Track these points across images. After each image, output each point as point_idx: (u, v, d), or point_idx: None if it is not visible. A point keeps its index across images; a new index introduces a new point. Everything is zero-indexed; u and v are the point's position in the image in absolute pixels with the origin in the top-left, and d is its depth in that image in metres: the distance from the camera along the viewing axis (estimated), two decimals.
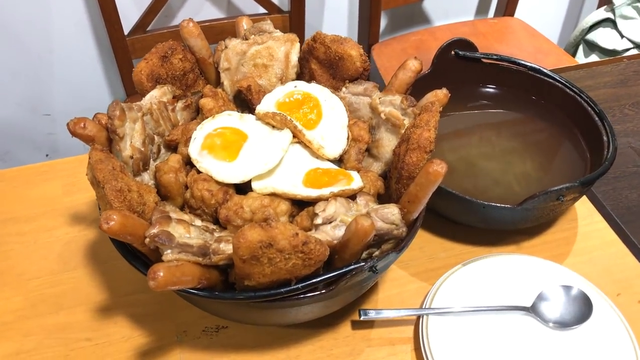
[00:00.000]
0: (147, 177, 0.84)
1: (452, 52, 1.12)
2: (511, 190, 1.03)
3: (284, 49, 0.97)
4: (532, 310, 0.90)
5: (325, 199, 0.78)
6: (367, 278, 0.77)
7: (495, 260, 0.96)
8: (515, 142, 1.10)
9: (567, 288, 0.91)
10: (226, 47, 0.95)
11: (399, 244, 0.79)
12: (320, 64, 0.96)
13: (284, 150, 0.82)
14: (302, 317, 0.84)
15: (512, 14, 2.34)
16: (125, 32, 1.81)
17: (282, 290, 0.72)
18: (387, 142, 0.90)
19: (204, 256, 0.69)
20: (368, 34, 2.16)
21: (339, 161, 0.90)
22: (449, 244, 1.03)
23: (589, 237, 1.04)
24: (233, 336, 0.91)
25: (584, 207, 1.09)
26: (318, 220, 0.75)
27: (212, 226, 0.78)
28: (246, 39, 0.97)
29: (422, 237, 1.04)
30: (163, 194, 0.83)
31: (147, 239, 0.69)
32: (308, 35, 2.07)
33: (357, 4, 2.20)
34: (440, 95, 0.87)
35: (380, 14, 2.12)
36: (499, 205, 0.90)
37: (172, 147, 0.87)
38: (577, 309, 0.90)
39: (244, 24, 1.01)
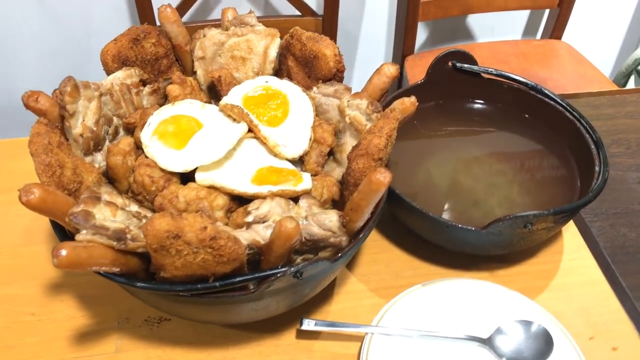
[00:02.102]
0: (99, 158, 0.84)
1: (449, 64, 1.07)
2: (491, 213, 0.96)
3: (264, 43, 0.94)
4: (488, 342, 0.84)
5: (263, 197, 0.75)
6: (297, 285, 0.73)
7: (459, 284, 0.90)
8: (504, 164, 1.04)
9: (528, 323, 0.84)
10: (204, 35, 0.94)
11: (337, 253, 0.75)
12: (296, 61, 0.93)
13: (231, 144, 0.79)
14: (236, 319, 0.81)
15: (559, 37, 2.24)
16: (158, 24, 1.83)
17: (198, 286, 0.69)
18: (350, 148, 0.85)
19: (118, 241, 0.67)
20: (403, 45, 2.11)
21: (300, 163, 0.87)
22: (418, 263, 0.98)
23: (571, 273, 0.96)
24: (173, 329, 0.88)
25: (572, 240, 1.01)
26: (249, 218, 0.72)
27: (148, 214, 0.77)
28: (227, 30, 0.95)
29: (391, 253, 0.99)
30: (110, 176, 0.82)
31: (67, 218, 0.68)
32: (341, 42, 2.04)
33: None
34: (406, 103, 0.82)
35: (416, 25, 2.07)
36: (461, 226, 0.84)
37: (131, 130, 0.87)
38: (536, 347, 0.83)
39: (229, 14, 0.99)
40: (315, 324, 0.84)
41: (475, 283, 0.90)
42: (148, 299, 0.77)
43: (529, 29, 2.42)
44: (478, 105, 1.11)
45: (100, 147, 0.84)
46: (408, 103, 0.82)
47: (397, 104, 0.82)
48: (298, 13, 1.99)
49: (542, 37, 2.32)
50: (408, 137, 1.08)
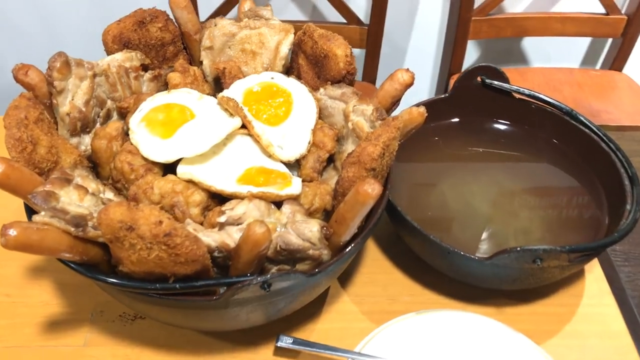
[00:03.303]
0: (87, 140, 0.80)
1: (478, 79, 0.99)
2: (504, 245, 0.87)
3: (277, 38, 0.89)
4: None
5: (241, 198, 0.69)
6: (266, 297, 0.67)
7: (457, 317, 0.81)
8: (527, 192, 0.95)
9: None
10: (215, 25, 0.89)
11: (315, 267, 0.68)
12: (307, 59, 0.87)
13: (219, 138, 0.74)
14: (201, 325, 0.76)
15: (620, 69, 2.10)
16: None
17: (156, 285, 0.64)
18: None
19: (76, 227, 0.63)
20: (450, 62, 2.03)
21: (298, 167, 0.81)
22: (418, 289, 0.90)
23: (588, 320, 0.86)
24: (146, 329, 0.83)
25: (595, 284, 0.91)
26: (222, 219, 0.67)
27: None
28: (240, 21, 0.90)
29: (390, 275, 0.91)
30: (94, 160, 0.78)
31: (29, 196, 0.64)
32: (385, 53, 1.98)
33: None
34: (414, 113, 0.75)
35: (465, 43, 1.98)
36: (463, 253, 0.76)
37: (124, 115, 0.83)
38: None
39: (246, 5, 0.94)
40: (293, 342, 0.78)
41: (476, 318, 0.81)
42: (112, 293, 0.72)
43: (588, 58, 2.29)
44: (505, 126, 1.02)
45: (88, 130, 0.80)
46: (415, 113, 0.75)
47: (403, 113, 0.75)
48: (344, 20, 1.94)
49: (602, 67, 2.19)
50: (426, 153, 1.01)
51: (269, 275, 0.62)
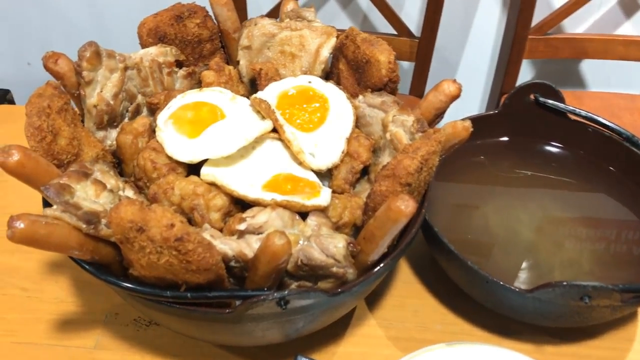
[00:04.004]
0: (113, 135, 0.77)
1: (532, 97, 0.92)
2: (548, 277, 0.80)
3: (318, 41, 0.85)
4: None
5: (264, 206, 0.65)
6: (283, 315, 0.62)
7: (491, 352, 0.74)
8: (578, 223, 0.87)
9: None
10: (255, 24, 0.86)
11: (338, 286, 0.63)
12: (348, 65, 0.83)
13: (246, 140, 0.69)
14: (214, 338, 0.72)
15: None
16: None
17: (166, 293, 0.59)
18: None
19: (88, 224, 0.59)
20: (502, 81, 1.95)
21: (329, 177, 0.76)
22: (452, 318, 0.83)
23: None
24: (160, 336, 0.80)
25: None
26: (242, 226, 0.62)
27: (145, 201, 0.69)
28: (281, 22, 0.86)
29: (423, 300, 0.85)
30: (118, 155, 0.75)
31: (42, 187, 0.61)
32: (435, 67, 1.92)
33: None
34: (458, 127, 0.69)
35: (520, 62, 1.90)
36: (502, 283, 0.70)
37: (153, 111, 0.79)
38: None
39: (289, 6, 0.90)
40: None
41: (512, 355, 0.74)
42: (123, 296, 0.69)
43: None
44: (557, 149, 0.95)
45: (116, 124, 0.77)
46: (460, 127, 0.69)
47: (446, 126, 0.69)
48: (394, 32, 1.88)
49: None
50: (470, 172, 0.94)
51: (286, 292, 0.57)
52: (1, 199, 0.96)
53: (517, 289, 0.69)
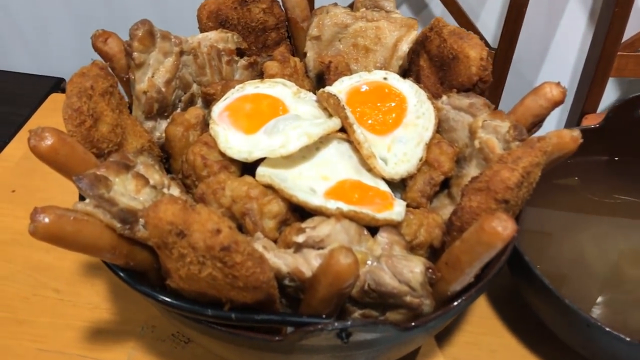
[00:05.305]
0: (164, 126, 0.69)
1: (639, 112, 0.79)
2: None
3: (397, 34, 0.75)
4: None
5: (328, 216, 0.55)
6: (343, 349, 0.51)
7: None
8: None
9: None
10: (327, 12, 0.76)
11: (413, 320, 0.52)
12: (430, 61, 0.72)
13: (310, 139, 0.60)
14: None
15: None
16: None
17: (207, 311, 0.50)
18: None
19: (123, 223, 0.51)
20: (584, 100, 1.80)
21: (402, 188, 0.65)
22: None
23: None
24: (200, 356, 0.71)
25: None
26: (300, 238, 0.52)
27: (189, 200, 0.60)
28: (356, 11, 0.77)
29: (500, 339, 0.73)
30: (167, 149, 0.67)
31: (74, 177, 0.52)
32: (510, 82, 1.78)
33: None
34: (565, 136, 0.57)
35: (606, 81, 1.75)
36: (609, 330, 0.57)
37: (209, 101, 0.71)
38: None
39: None
40: None
41: None
42: (159, 309, 0.60)
43: None
44: None
45: (167, 114, 0.70)
46: (567, 137, 0.57)
47: (551, 134, 0.58)
48: None
49: None
50: (560, 195, 0.82)
51: (349, 322, 0.47)
52: (42, 190, 0.90)
53: (629, 339, 0.56)
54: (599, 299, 0.70)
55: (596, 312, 0.68)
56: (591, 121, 1.77)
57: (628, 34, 1.61)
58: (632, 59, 1.68)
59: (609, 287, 0.71)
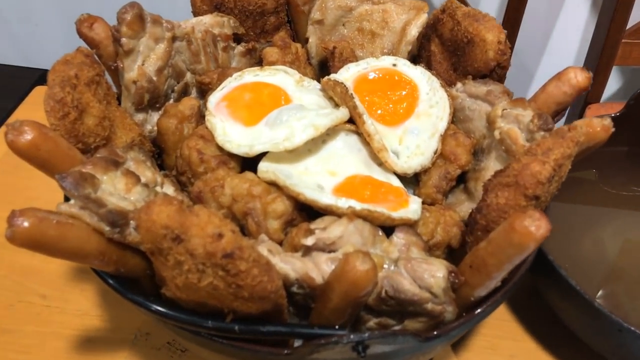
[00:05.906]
0: (155, 119, 0.64)
1: None
2: None
3: (405, 17, 0.70)
4: None
5: (339, 215, 0.50)
6: None
7: None
8: None
9: None
10: None
11: (434, 328, 0.47)
12: (442, 46, 0.67)
13: (316, 130, 0.55)
14: None
15: None
16: None
17: (208, 323, 0.45)
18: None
19: (112, 226, 0.46)
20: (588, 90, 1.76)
21: (415, 183, 0.61)
22: None
23: None
24: None
25: None
26: (309, 241, 0.47)
27: (185, 200, 0.55)
28: None
29: (520, 343, 0.69)
30: (159, 143, 0.62)
31: (57, 176, 0.47)
32: (512, 75, 1.75)
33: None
34: (596, 125, 0.53)
35: (610, 69, 1.70)
36: None
37: (204, 91, 0.66)
38: None
39: None
40: None
41: None
42: (154, 319, 0.55)
43: None
44: None
45: (158, 105, 0.64)
46: (598, 125, 0.53)
47: (581, 122, 0.53)
48: None
49: None
50: (576, 188, 0.77)
51: (366, 334, 0.42)
52: (28, 189, 0.84)
53: None
54: (624, 300, 0.66)
55: (624, 314, 0.63)
56: (595, 111, 1.74)
57: (633, 20, 1.58)
58: (637, 46, 1.64)
59: (636, 288, 0.67)
